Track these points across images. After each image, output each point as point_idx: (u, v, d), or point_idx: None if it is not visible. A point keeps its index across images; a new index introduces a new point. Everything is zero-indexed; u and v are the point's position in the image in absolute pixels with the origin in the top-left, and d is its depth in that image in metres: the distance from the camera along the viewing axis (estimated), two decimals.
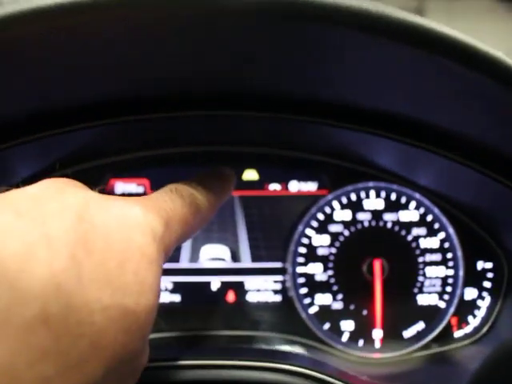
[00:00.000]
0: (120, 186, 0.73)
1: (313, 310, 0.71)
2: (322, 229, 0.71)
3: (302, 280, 0.71)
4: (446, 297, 0.71)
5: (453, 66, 0.39)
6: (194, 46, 0.40)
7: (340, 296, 0.71)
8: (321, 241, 0.71)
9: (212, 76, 0.53)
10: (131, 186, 0.73)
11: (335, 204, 0.71)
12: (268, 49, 0.43)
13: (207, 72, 0.52)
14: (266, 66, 0.48)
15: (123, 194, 0.72)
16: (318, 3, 0.33)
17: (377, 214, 0.71)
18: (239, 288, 0.72)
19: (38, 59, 0.40)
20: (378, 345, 0.70)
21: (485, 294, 0.71)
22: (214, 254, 0.72)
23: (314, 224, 0.71)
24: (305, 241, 0.71)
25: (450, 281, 0.71)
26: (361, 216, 0.71)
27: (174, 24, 0.35)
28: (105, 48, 0.40)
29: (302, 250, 0.71)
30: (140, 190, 0.73)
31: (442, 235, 0.71)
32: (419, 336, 0.71)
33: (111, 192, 0.72)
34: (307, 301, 0.71)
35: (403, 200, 0.71)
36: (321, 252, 0.71)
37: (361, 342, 0.71)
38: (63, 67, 0.44)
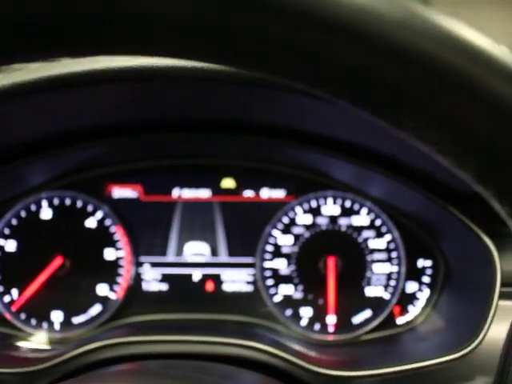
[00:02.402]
0: (117, 190, 0.86)
1: (277, 298, 0.84)
2: (286, 230, 0.84)
3: (268, 273, 0.84)
4: (390, 289, 0.84)
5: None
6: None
7: (300, 287, 0.84)
8: (285, 240, 0.84)
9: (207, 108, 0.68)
10: (126, 191, 0.86)
11: (298, 210, 0.84)
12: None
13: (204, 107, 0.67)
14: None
15: (120, 198, 0.85)
16: None
17: (333, 219, 0.84)
18: (217, 279, 0.85)
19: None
20: (331, 329, 0.84)
21: (424, 287, 0.84)
22: (196, 249, 0.86)
23: (280, 226, 0.84)
24: (271, 240, 0.84)
25: (394, 276, 0.84)
26: (319, 220, 0.84)
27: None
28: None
29: (269, 247, 0.84)
30: (134, 194, 0.86)
31: (388, 237, 0.84)
32: (367, 322, 0.84)
33: (109, 195, 0.85)
34: (273, 291, 0.84)
35: (356, 207, 0.84)
36: (285, 250, 0.84)
37: (317, 326, 0.84)
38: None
